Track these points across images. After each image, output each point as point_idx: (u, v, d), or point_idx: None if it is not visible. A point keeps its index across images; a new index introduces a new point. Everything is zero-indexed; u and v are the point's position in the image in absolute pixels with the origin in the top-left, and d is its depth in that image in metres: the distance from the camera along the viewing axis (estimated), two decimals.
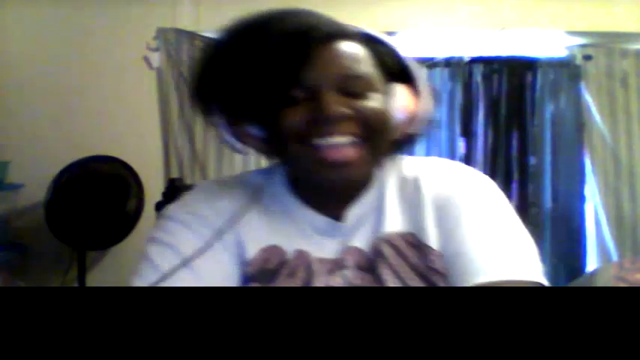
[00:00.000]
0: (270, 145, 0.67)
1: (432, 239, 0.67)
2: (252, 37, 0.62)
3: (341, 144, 0.61)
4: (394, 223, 0.69)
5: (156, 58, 2.46)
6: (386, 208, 0.70)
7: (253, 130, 0.66)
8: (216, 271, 0.65)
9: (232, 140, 0.68)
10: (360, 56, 0.64)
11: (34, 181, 2.24)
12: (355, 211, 0.70)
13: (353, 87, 0.62)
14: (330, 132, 0.61)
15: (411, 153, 0.76)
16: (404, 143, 0.72)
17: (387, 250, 0.68)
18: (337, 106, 0.60)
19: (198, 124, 2.45)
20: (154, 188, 2.20)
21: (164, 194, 1.81)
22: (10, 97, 2.40)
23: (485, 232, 0.65)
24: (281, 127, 0.62)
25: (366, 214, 0.70)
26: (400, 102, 0.66)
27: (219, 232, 0.65)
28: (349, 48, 0.63)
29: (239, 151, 0.70)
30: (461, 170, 0.73)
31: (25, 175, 2.33)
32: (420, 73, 0.69)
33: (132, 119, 2.45)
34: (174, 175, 2.42)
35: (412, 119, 0.68)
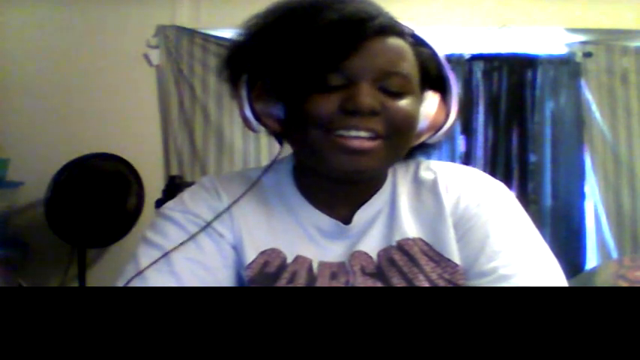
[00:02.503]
0: (287, 129, 0.65)
1: (452, 250, 0.66)
2: (308, 12, 0.60)
3: (363, 137, 0.60)
4: (407, 228, 0.67)
5: (156, 56, 2.45)
6: (399, 213, 0.68)
7: (275, 110, 0.64)
8: (197, 270, 0.62)
9: (251, 117, 0.65)
10: (406, 55, 0.62)
11: (34, 178, 2.24)
12: (364, 214, 0.68)
13: (391, 84, 0.61)
14: (357, 125, 0.59)
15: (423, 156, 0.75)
16: (418, 151, 0.71)
17: (399, 257, 0.66)
18: (371, 100, 0.59)
19: (198, 121, 2.46)
20: (154, 186, 2.20)
21: (164, 192, 1.81)
22: (10, 94, 2.39)
23: (516, 247, 0.64)
24: (307, 111, 0.60)
25: (375, 217, 0.68)
26: (429, 110, 0.65)
27: (205, 226, 0.64)
28: (397, 45, 0.62)
29: (253, 130, 0.67)
30: (480, 179, 0.72)
31: (25, 173, 2.32)
32: (455, 87, 0.67)
33: (132, 117, 2.45)
34: (174, 172, 2.41)
35: (435, 129, 0.67)
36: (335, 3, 0.60)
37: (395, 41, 0.62)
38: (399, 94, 0.61)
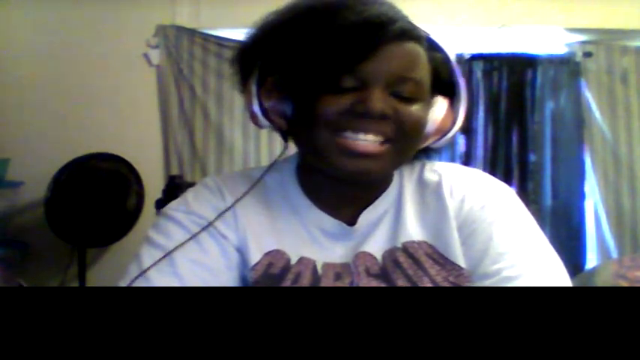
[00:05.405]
0: (294, 127, 0.64)
1: (456, 253, 0.65)
2: (329, 12, 0.60)
3: (371, 141, 0.60)
4: (412, 231, 0.67)
5: (156, 56, 2.45)
6: (404, 215, 0.68)
7: (283, 107, 0.63)
8: (200, 272, 0.62)
9: (258, 112, 0.64)
10: (420, 61, 0.62)
11: (35, 178, 2.24)
12: (369, 216, 0.68)
13: (403, 90, 0.61)
14: (366, 129, 0.59)
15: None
16: (422, 153, 0.71)
17: (404, 259, 0.66)
18: (383, 104, 0.59)
19: (198, 121, 2.46)
20: (154, 185, 2.20)
21: (164, 191, 1.81)
22: (10, 94, 2.39)
23: (520, 249, 0.64)
24: (316, 111, 0.60)
25: (380, 219, 0.68)
26: (437, 115, 0.65)
27: (207, 225, 0.63)
28: (414, 50, 0.61)
29: (260, 126, 0.66)
30: (484, 181, 0.71)
31: (26, 173, 2.32)
32: (464, 93, 0.67)
33: (132, 116, 2.45)
34: (174, 172, 2.41)
35: (441, 134, 0.67)
36: (356, 5, 0.60)
37: (412, 46, 0.61)
38: (410, 100, 0.61)
